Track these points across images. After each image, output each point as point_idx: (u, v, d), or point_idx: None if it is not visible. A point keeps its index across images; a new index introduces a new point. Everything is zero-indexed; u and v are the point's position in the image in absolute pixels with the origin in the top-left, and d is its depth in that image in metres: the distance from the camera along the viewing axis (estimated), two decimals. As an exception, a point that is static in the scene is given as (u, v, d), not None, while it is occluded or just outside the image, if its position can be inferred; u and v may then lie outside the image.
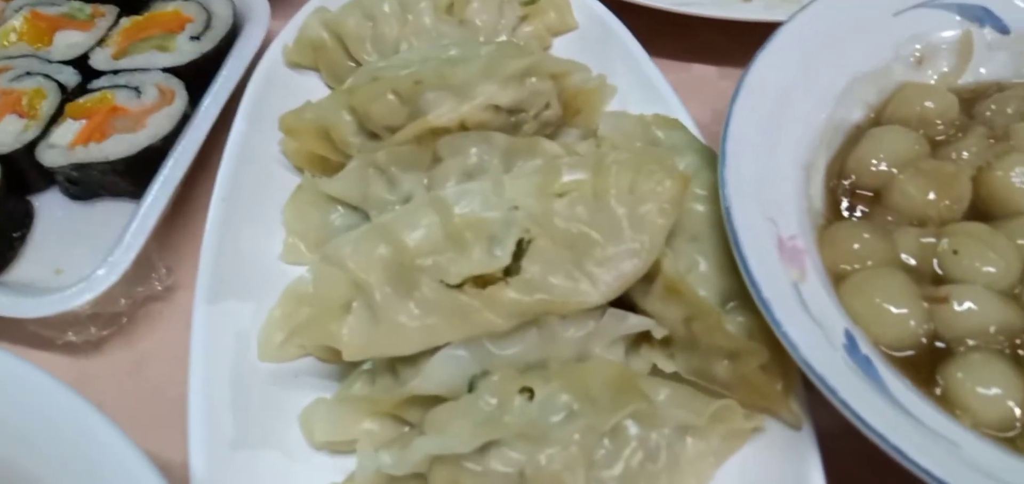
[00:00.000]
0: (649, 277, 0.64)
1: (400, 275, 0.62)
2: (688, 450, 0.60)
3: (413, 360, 0.62)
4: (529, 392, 0.59)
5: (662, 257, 0.63)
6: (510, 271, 0.61)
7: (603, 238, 0.62)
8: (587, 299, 0.61)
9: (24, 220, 0.83)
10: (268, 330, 0.65)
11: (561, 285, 0.61)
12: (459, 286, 0.61)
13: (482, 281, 0.61)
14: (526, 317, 0.61)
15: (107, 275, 0.71)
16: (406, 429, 0.62)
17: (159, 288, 0.77)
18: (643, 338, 0.65)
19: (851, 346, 0.58)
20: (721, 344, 0.61)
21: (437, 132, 0.74)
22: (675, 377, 0.64)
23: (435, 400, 0.61)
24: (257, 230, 0.75)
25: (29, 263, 0.81)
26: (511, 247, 0.61)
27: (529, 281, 0.61)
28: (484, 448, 0.56)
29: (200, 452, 0.59)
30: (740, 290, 0.61)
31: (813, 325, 0.58)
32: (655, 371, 0.65)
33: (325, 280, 0.63)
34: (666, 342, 0.65)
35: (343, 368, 0.66)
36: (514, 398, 0.58)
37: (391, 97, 0.76)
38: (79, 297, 0.70)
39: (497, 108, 0.76)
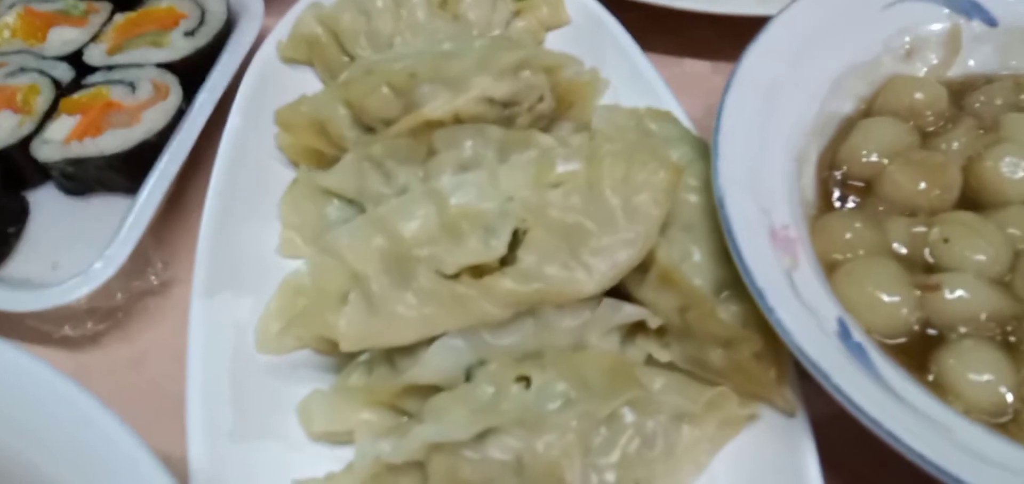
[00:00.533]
0: (643, 267, 0.64)
1: (397, 265, 0.62)
2: (684, 437, 0.60)
3: (410, 350, 0.62)
4: (526, 380, 0.59)
5: (656, 247, 0.64)
6: (506, 261, 0.61)
7: (598, 228, 0.62)
8: (582, 288, 0.62)
9: (19, 215, 0.83)
10: (265, 322, 0.65)
11: (557, 274, 0.61)
12: (455, 276, 0.61)
13: (478, 271, 0.61)
14: (522, 306, 0.61)
15: (103, 269, 0.71)
16: (404, 419, 0.63)
17: (155, 282, 0.77)
18: (638, 328, 0.65)
19: (844, 333, 0.59)
20: (715, 332, 0.61)
21: (432, 125, 0.74)
22: (670, 366, 0.64)
23: (433, 390, 0.61)
24: (253, 224, 0.75)
25: (25, 258, 0.81)
26: (507, 237, 0.62)
27: (525, 271, 0.61)
28: (482, 436, 0.56)
29: (199, 444, 0.59)
30: (734, 279, 0.61)
31: (806, 312, 0.59)
32: (650, 360, 0.65)
33: (322, 271, 0.63)
34: (661, 331, 0.65)
35: (340, 359, 0.66)
36: (511, 386, 0.59)
37: (386, 90, 0.76)
38: (76, 291, 0.70)
39: (491, 101, 0.76)
